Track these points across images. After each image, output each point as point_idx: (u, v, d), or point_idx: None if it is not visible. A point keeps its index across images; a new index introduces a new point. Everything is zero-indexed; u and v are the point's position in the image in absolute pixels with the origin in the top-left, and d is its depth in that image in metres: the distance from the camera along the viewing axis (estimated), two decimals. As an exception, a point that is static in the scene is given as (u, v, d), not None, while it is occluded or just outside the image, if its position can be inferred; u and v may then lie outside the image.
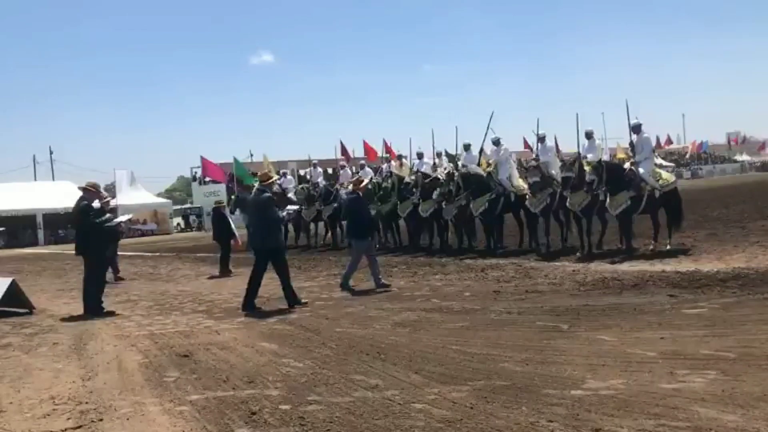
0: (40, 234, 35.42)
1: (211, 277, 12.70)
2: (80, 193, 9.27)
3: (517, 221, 13.39)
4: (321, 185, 17.70)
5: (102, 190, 11.16)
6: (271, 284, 8.74)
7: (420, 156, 15.70)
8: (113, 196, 28.51)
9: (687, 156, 63.22)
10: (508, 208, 13.07)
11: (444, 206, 13.07)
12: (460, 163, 13.61)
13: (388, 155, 19.13)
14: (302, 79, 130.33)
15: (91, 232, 8.89)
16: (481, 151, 13.88)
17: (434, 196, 13.20)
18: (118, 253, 13.91)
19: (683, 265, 9.07)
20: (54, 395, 4.90)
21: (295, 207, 13.24)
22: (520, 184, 12.90)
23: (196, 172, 41.89)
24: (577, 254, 10.91)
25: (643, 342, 5.22)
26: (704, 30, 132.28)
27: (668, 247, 10.72)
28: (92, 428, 4.14)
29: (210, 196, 37.40)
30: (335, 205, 16.82)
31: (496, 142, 13.40)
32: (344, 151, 26.34)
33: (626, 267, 9.40)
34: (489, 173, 13.12)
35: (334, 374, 4.94)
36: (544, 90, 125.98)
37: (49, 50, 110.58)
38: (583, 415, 3.70)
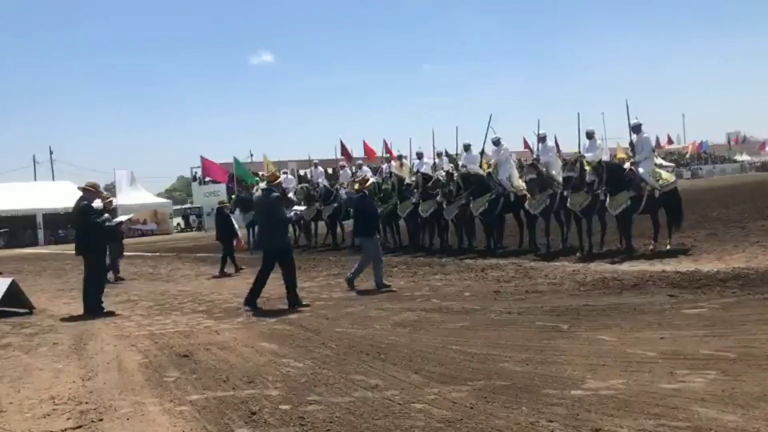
0: (40, 234, 35.43)
1: (214, 277, 12.71)
2: (80, 193, 9.26)
3: (517, 221, 13.38)
4: (322, 185, 17.71)
5: (102, 190, 11.17)
6: (271, 284, 8.72)
7: (420, 156, 15.69)
8: (113, 196, 28.46)
9: (687, 156, 63.22)
10: (508, 208, 13.08)
11: (445, 206, 13.08)
12: (460, 164, 13.61)
13: (388, 155, 19.13)
14: (302, 79, 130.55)
15: (91, 232, 8.89)
16: (482, 153, 13.89)
17: (438, 198, 13.18)
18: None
19: (683, 265, 9.07)
20: (54, 395, 4.90)
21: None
22: (520, 184, 12.87)
23: (196, 172, 41.92)
24: (577, 254, 10.91)
25: (643, 342, 5.22)
26: (704, 30, 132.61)
27: (668, 247, 10.72)
28: (92, 428, 4.14)
29: (210, 196, 37.45)
30: (335, 205, 16.84)
31: (497, 142, 13.40)
32: (345, 150, 26.34)
33: (626, 267, 9.40)
34: (489, 173, 13.14)
35: (334, 374, 4.94)
36: (544, 90, 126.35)
37: (49, 50, 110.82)
38: (583, 415, 3.70)
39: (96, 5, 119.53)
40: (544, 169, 12.02)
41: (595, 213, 11.10)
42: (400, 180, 14.63)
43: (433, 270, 10.94)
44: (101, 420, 4.26)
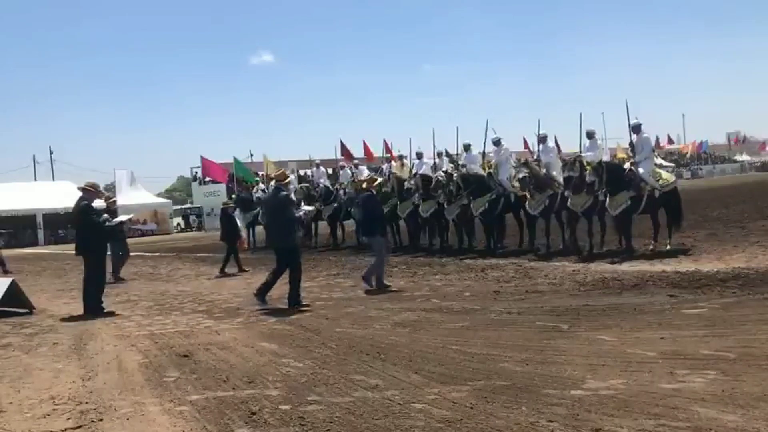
0: (40, 234, 35.43)
1: (216, 277, 12.69)
2: (80, 194, 9.26)
3: (518, 221, 13.38)
4: (322, 185, 17.71)
5: (102, 189, 11.16)
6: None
7: (420, 156, 15.66)
8: (114, 196, 28.46)
9: (687, 156, 63.22)
10: (508, 208, 13.08)
11: (446, 206, 13.08)
12: (460, 163, 13.60)
13: (388, 155, 19.12)
14: (302, 79, 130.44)
15: (91, 232, 8.89)
16: (483, 154, 13.88)
17: (440, 198, 13.16)
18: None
19: (683, 265, 9.07)
20: (54, 395, 4.90)
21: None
22: (520, 184, 12.88)
23: (196, 172, 41.89)
24: (583, 251, 10.91)
25: (643, 342, 5.22)
26: (704, 30, 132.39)
27: (668, 247, 10.72)
28: (92, 428, 4.14)
29: (210, 196, 37.47)
30: (335, 205, 16.84)
31: (497, 143, 13.39)
32: (345, 151, 26.33)
33: (626, 267, 9.40)
34: (489, 173, 13.13)
35: (334, 374, 4.95)
36: (544, 90, 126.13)
37: (49, 50, 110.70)
38: (583, 415, 3.70)
39: (96, 5, 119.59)
40: (544, 170, 12.00)
41: (595, 213, 11.10)
42: (400, 181, 14.61)
43: (433, 270, 10.94)
44: (101, 420, 4.26)
